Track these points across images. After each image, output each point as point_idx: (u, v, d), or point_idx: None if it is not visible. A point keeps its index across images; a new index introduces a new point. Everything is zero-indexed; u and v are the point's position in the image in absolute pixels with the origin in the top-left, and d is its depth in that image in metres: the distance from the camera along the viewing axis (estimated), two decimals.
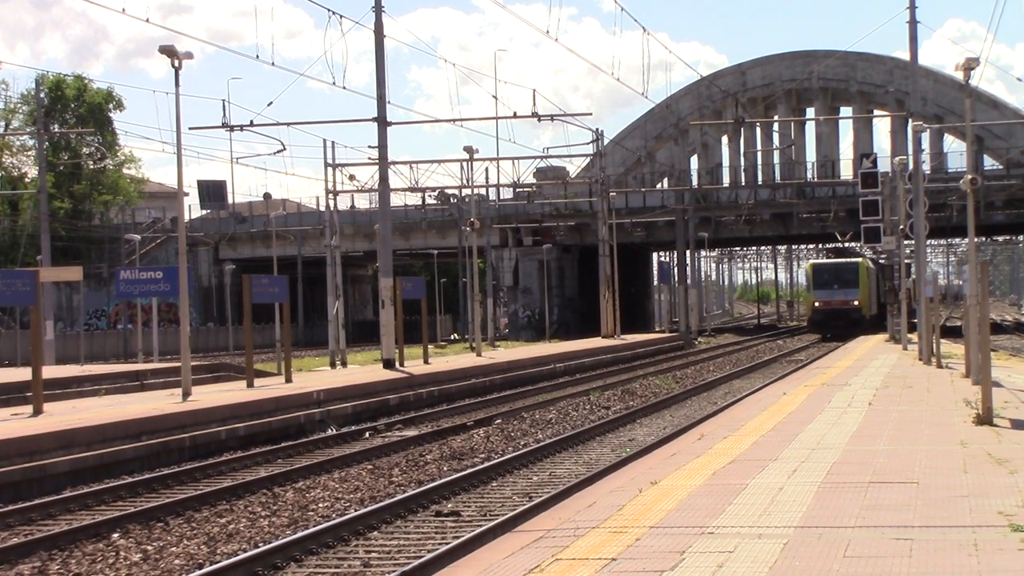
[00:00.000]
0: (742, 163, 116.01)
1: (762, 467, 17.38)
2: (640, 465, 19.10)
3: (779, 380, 40.76)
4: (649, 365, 60.05)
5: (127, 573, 15.72)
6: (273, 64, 69.82)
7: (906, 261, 59.39)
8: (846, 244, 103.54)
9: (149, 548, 17.18)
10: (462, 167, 72.81)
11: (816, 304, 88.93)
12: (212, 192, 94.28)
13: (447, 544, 16.35)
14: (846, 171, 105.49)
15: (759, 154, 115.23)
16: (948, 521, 13.02)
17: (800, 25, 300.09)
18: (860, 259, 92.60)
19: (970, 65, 36.93)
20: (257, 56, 66.14)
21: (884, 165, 66.16)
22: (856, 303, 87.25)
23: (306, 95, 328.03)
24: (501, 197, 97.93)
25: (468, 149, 66.43)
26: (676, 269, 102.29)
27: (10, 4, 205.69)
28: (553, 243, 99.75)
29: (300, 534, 17.19)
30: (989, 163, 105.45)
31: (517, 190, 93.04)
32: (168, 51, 34.76)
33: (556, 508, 15.68)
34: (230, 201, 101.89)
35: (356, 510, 19.47)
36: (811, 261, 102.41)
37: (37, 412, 29.77)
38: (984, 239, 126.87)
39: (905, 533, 12.39)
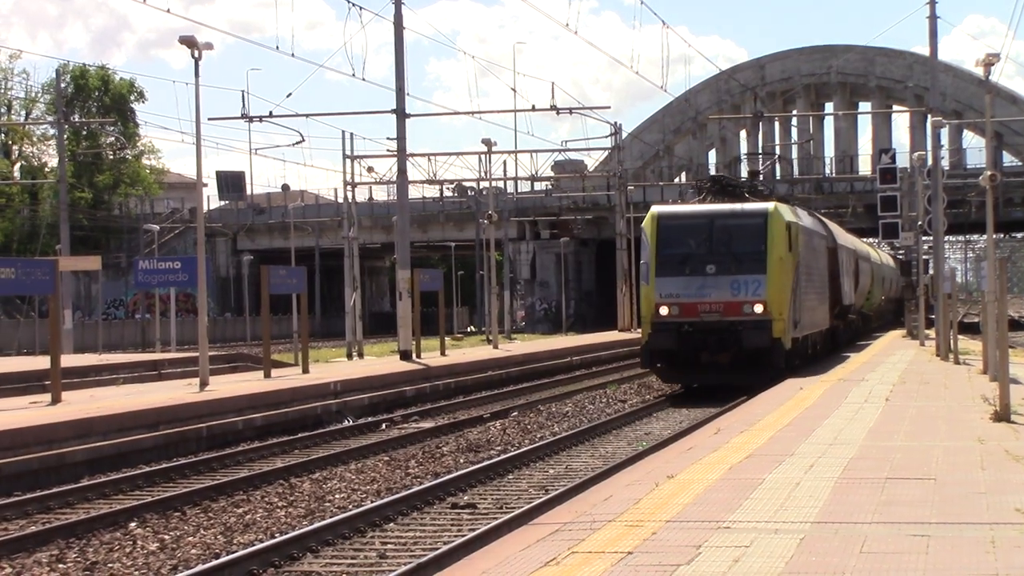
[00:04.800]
0: (760, 157, 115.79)
1: (779, 462, 17.37)
2: (657, 459, 19.08)
3: (796, 375, 40.66)
4: None
5: (144, 562, 15.74)
6: (293, 55, 69.89)
7: (924, 257, 59.24)
8: (757, 175, 53.64)
9: (166, 537, 17.21)
10: (480, 160, 72.89)
11: (660, 309, 36.89)
12: (231, 183, 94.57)
13: (463, 536, 16.34)
14: (864, 166, 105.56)
15: (777, 148, 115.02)
16: (965, 518, 12.98)
17: (819, 19, 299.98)
18: (771, 206, 38.62)
19: (990, 61, 36.91)
20: (277, 47, 66.12)
21: (903, 161, 66.17)
22: (758, 308, 36.66)
23: (325, 87, 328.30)
24: (519, 190, 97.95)
25: (486, 142, 66.39)
26: None
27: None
28: (571, 236, 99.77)
29: (317, 525, 17.20)
30: (1008, 159, 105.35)
31: (535, 183, 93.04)
32: (188, 41, 34.79)
33: (572, 501, 15.67)
34: (248, 192, 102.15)
35: (372, 501, 19.47)
36: (656, 207, 40.69)
37: (55, 401, 29.82)
38: (1003, 236, 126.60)
39: (922, 529, 12.36)
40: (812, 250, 42.28)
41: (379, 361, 49.22)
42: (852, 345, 55.03)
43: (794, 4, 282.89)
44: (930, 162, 51.43)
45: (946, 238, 55.90)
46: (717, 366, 36.08)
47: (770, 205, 37.88)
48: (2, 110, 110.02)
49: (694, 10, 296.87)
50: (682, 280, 36.18)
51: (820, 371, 37.03)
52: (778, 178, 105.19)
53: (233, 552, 15.82)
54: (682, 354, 36.12)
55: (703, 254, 36.40)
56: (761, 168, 49.58)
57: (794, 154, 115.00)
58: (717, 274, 35.91)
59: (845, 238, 56.34)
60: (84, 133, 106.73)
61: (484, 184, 77.41)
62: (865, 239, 75.12)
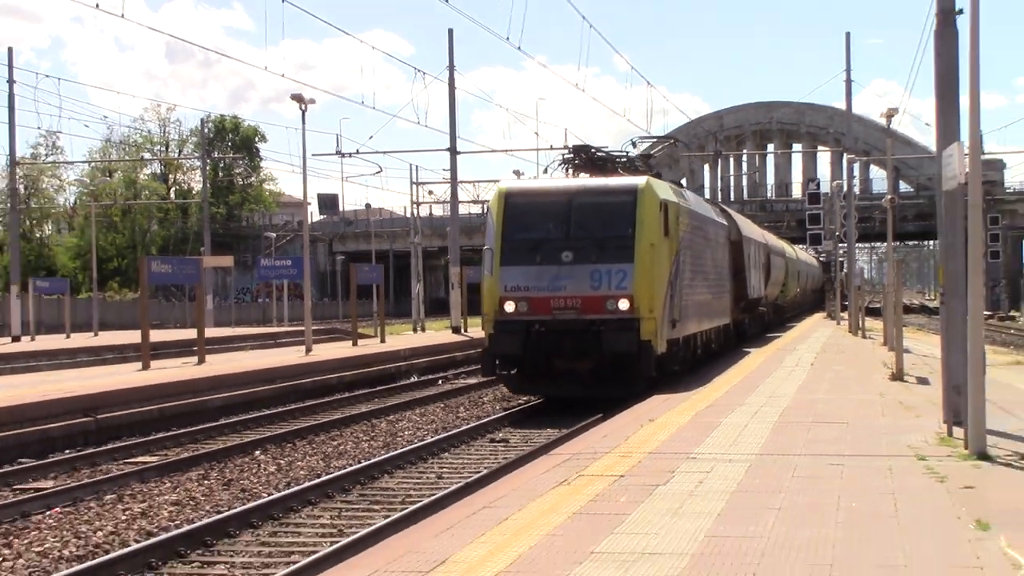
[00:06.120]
0: (719, 184, 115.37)
1: (732, 410, 17.39)
2: (642, 407, 19.08)
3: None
4: None
5: (266, 480, 15.84)
6: (374, 108, 69.67)
7: (840, 259, 59.03)
8: (649, 158, 30.53)
9: (281, 462, 17.32)
10: None
11: (506, 306, 22.36)
12: (328, 202, 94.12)
13: (499, 463, 16.40)
14: (796, 192, 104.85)
15: (732, 178, 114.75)
16: (870, 452, 13.01)
17: (764, 81, 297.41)
18: (642, 181, 23.04)
19: (891, 113, 36.84)
20: (362, 102, 66.88)
21: (825, 187, 65.82)
22: (623, 304, 21.87)
23: (397, 131, 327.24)
24: None
25: (516, 172, 66.36)
26: None
27: (185, 65, 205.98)
28: None
29: (391, 454, 17.26)
30: (904, 187, 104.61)
31: None
32: (297, 98, 34.91)
33: (579, 438, 15.70)
34: (341, 209, 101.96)
35: (432, 437, 19.53)
36: (504, 182, 24.99)
37: (201, 362, 30.02)
38: (898, 243, 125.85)
39: (838, 460, 12.39)
40: (705, 238, 28.17)
41: (437, 334, 49.27)
42: (761, 338, 41.11)
43: (745, 69, 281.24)
44: (845, 189, 51.51)
45: (857, 245, 55.59)
46: (575, 375, 22.11)
47: (641, 180, 22.91)
48: (162, 148, 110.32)
49: (670, 74, 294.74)
50: (532, 270, 22.08)
51: (702, 380, 23.05)
52: (732, 200, 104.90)
53: (330, 473, 15.92)
54: (532, 360, 22.18)
55: (558, 239, 22.24)
56: (655, 152, 30.81)
57: (744, 183, 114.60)
58: (574, 263, 21.90)
59: (754, 232, 42.60)
60: (221, 165, 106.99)
61: None
62: (797, 245, 72.03)
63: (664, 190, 23.57)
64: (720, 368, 25.80)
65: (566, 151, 24.58)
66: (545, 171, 23.70)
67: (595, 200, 22.46)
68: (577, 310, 21.63)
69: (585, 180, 23.72)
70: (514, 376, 22.72)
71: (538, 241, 22.21)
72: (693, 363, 26.10)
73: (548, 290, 21.76)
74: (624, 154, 25.77)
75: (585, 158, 24.73)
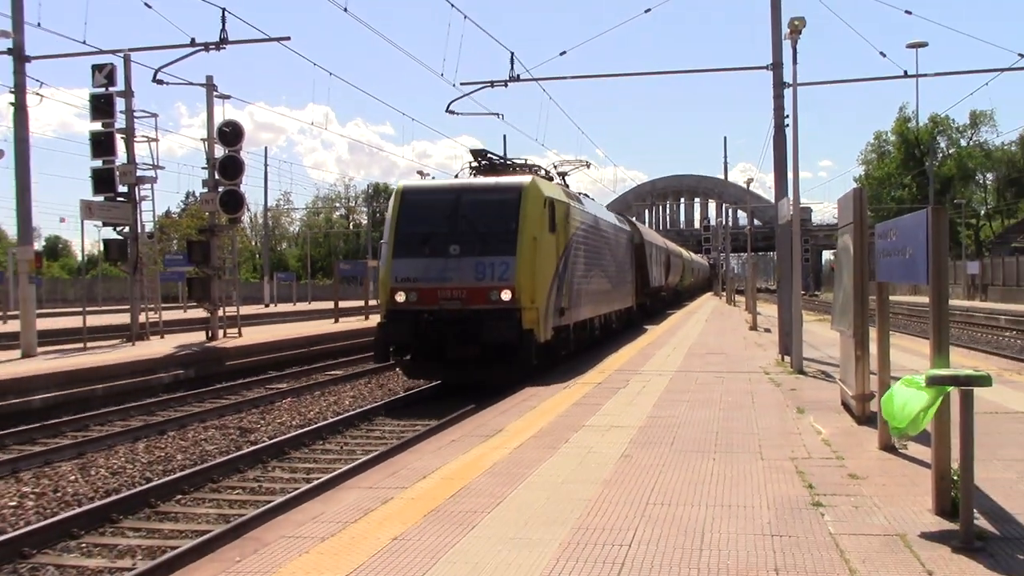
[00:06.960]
0: (655, 221, 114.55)
1: (661, 347, 17.20)
2: (609, 345, 18.98)
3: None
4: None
5: (401, 385, 15.63)
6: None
7: (721, 261, 58.46)
8: (565, 176, 17.55)
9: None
10: None
11: (397, 296, 12.18)
12: None
13: (532, 380, 16.19)
14: (697, 224, 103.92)
15: (661, 217, 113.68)
16: (738, 370, 12.85)
17: (680, 159, 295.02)
18: (527, 179, 12.74)
19: (749, 181, 36.60)
20: (455, 175, 66.17)
21: (713, 222, 65.13)
22: (505, 294, 11.90)
23: None
24: None
25: (420, 173, 65.30)
26: None
27: (359, 154, 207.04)
28: None
29: None
30: (757, 222, 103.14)
31: None
32: (420, 173, 34.94)
33: (573, 361, 15.60)
34: None
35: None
36: (404, 181, 12.95)
37: (366, 318, 29.89)
38: (754, 253, 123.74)
39: (720, 374, 12.25)
40: (603, 238, 18.62)
41: None
42: (662, 313, 32.16)
43: (669, 153, 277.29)
44: (724, 224, 51.02)
45: (731, 254, 55.15)
46: (465, 361, 12.89)
47: (526, 179, 13.48)
48: (346, 200, 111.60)
49: (627, 157, 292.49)
50: (422, 262, 12.87)
51: (589, 363, 14.01)
52: (661, 229, 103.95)
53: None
54: (422, 348, 12.94)
55: (446, 233, 12.98)
56: (569, 171, 18.36)
57: (668, 219, 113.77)
58: (461, 256, 12.77)
59: (656, 239, 33.36)
60: (377, 210, 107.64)
61: None
62: (697, 254, 67.71)
63: (551, 189, 14.27)
64: (634, 335, 23.24)
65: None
66: (456, 176, 15.31)
67: (482, 197, 13.31)
68: (462, 300, 12.67)
69: (476, 179, 14.49)
70: (408, 362, 13.30)
71: (428, 235, 13.03)
72: (591, 343, 17.30)
73: (436, 281, 12.76)
74: (524, 160, 16.19)
75: (486, 163, 15.46)
